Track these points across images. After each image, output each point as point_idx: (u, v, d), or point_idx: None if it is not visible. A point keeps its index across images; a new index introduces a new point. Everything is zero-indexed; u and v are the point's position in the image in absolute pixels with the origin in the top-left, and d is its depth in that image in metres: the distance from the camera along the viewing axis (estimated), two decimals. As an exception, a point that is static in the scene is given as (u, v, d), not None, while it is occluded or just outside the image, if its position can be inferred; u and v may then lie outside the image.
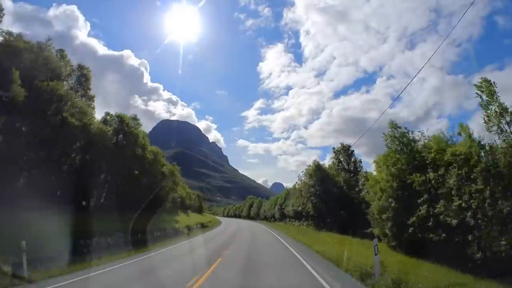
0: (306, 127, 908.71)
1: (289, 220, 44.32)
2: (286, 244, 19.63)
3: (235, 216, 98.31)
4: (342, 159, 33.28)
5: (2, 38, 18.27)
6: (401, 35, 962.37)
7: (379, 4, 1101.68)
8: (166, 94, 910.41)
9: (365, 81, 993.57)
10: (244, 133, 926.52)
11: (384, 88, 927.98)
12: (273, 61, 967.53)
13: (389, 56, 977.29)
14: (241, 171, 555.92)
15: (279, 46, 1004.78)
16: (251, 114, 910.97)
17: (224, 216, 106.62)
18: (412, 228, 12.98)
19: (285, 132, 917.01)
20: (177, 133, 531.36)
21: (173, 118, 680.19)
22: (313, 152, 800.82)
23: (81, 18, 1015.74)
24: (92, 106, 25.68)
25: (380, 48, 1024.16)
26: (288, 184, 56.19)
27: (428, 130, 14.71)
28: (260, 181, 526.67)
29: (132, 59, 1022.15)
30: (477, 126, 11.58)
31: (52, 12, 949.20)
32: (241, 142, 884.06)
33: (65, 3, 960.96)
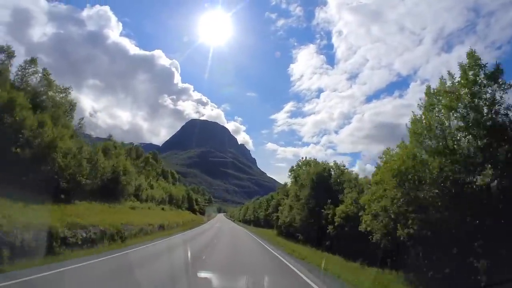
0: (336, 132, 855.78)
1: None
2: None
3: (254, 223, 58.79)
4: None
5: None
6: (437, 36, 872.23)
7: (414, 3, 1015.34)
8: (196, 95, 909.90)
9: (398, 85, 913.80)
10: (273, 136, 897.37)
11: (417, 92, 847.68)
12: (305, 62, 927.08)
13: (424, 58, 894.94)
14: (269, 175, 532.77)
15: (311, 47, 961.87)
16: (281, 117, 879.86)
17: (240, 222, 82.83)
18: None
19: (315, 136, 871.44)
20: (205, 133, 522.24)
21: (202, 118, 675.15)
22: (342, 158, 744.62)
23: (113, 18, 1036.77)
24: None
25: (415, 50, 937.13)
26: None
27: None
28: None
29: (163, 59, 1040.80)
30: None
31: (85, 12, 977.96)
32: (270, 145, 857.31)
33: (99, 4, 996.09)
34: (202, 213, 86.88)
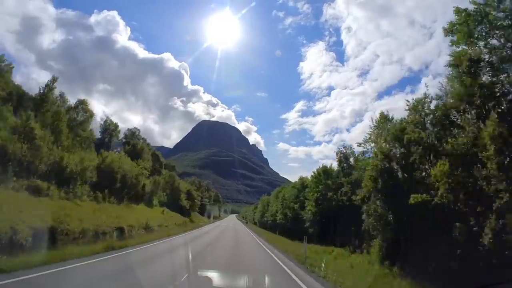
0: (348, 130, 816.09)
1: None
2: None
3: (282, 228, 34.16)
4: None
5: None
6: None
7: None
8: (206, 97, 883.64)
9: (410, 80, 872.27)
10: (285, 136, 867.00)
11: (430, 87, 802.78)
12: (314, 60, 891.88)
13: (435, 52, 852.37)
14: (281, 175, 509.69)
15: (320, 45, 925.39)
16: (292, 116, 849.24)
17: (255, 225, 55.18)
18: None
19: (326, 135, 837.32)
20: (216, 134, 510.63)
21: (213, 119, 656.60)
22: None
23: (121, 23, 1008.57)
24: None
25: (426, 44, 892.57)
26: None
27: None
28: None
29: (172, 62, 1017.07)
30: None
31: (93, 18, 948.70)
32: (282, 145, 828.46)
33: (106, 9, 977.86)
34: (203, 213, 60.66)
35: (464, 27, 9.51)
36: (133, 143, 42.35)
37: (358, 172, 17.89)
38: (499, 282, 5.97)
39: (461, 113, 9.71)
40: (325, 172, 21.96)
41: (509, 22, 8.71)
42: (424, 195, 9.22)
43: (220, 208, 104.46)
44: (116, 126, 47.49)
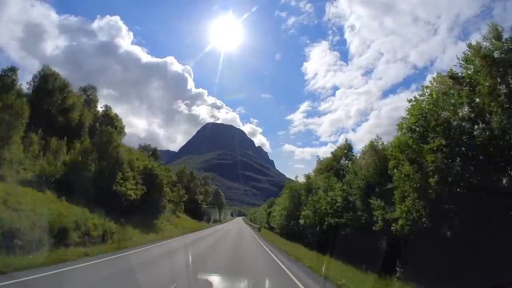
0: (354, 130, 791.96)
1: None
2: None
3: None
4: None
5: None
6: (453, 24, 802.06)
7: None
8: (210, 99, 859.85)
9: (414, 78, 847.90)
10: (290, 137, 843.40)
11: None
12: (318, 60, 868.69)
13: (440, 48, 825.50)
14: (287, 176, 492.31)
15: (324, 44, 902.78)
16: (297, 117, 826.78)
17: (277, 234, 30.59)
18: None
19: (332, 135, 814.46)
20: (221, 137, 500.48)
21: (217, 122, 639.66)
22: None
23: (124, 27, 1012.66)
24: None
25: (430, 41, 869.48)
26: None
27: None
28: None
29: (176, 66, 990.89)
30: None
31: (96, 23, 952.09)
32: (287, 146, 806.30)
33: (109, 14, 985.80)
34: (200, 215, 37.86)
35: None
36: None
37: None
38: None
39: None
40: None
41: None
42: None
43: (221, 210, 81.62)
44: (61, 80, 25.50)
